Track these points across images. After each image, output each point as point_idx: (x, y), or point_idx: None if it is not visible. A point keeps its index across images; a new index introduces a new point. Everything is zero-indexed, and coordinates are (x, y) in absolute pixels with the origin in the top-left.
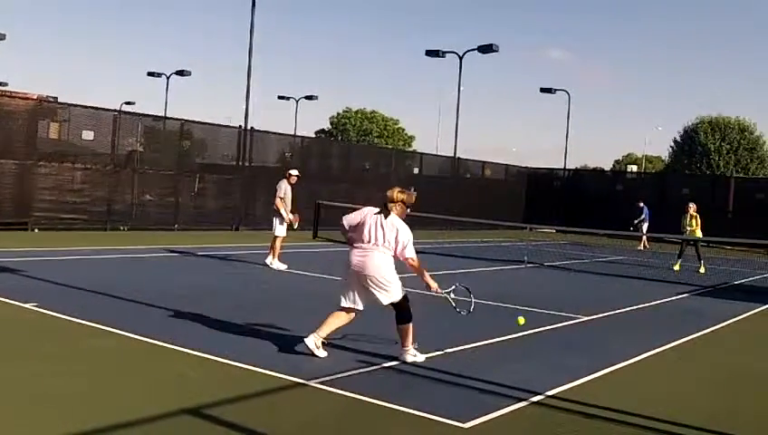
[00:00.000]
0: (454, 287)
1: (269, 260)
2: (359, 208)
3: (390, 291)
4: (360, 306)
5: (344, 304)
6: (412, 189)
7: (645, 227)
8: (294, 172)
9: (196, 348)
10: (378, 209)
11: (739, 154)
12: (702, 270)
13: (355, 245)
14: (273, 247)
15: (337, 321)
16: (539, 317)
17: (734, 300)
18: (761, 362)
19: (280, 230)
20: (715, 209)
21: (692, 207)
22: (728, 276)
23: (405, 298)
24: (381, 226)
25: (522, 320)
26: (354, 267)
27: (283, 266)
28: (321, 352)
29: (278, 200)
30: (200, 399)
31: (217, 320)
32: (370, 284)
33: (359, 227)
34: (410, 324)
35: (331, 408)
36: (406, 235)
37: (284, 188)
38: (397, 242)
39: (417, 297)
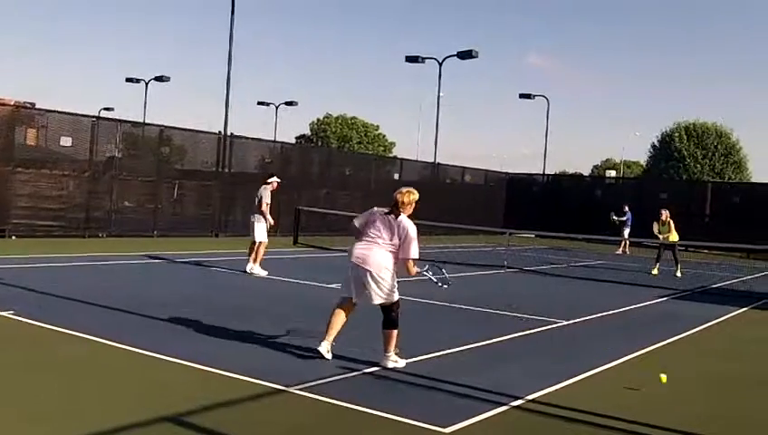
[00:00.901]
0: (427, 267)
1: (249, 267)
2: (338, 214)
3: (385, 290)
4: (358, 300)
5: (345, 293)
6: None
7: (626, 231)
8: (276, 179)
9: (175, 355)
10: (387, 209)
11: (714, 159)
12: (678, 274)
13: (360, 239)
14: (256, 253)
15: (340, 319)
16: (519, 322)
17: (711, 303)
18: (739, 364)
19: (263, 236)
20: (693, 214)
21: (664, 214)
22: (706, 280)
23: (397, 304)
24: (390, 225)
25: (664, 378)
26: (356, 260)
27: (263, 273)
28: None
29: (265, 207)
30: (180, 406)
31: (197, 327)
32: (368, 279)
33: (367, 225)
34: (395, 331)
35: (313, 414)
36: (413, 234)
37: (269, 195)
38: (403, 240)
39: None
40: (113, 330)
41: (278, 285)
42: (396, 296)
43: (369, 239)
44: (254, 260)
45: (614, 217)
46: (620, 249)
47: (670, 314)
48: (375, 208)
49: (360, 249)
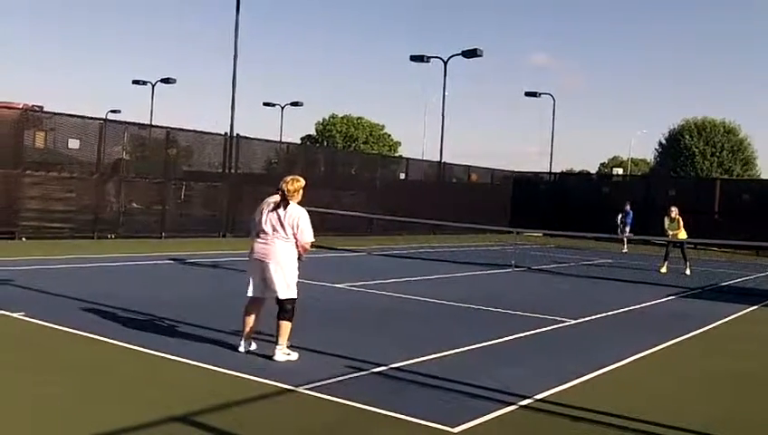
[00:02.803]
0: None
1: None
2: (344, 214)
3: (289, 284)
4: (265, 295)
5: (250, 294)
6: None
7: (628, 229)
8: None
9: (184, 355)
10: (276, 199)
11: (723, 156)
12: (688, 272)
13: (258, 235)
14: None
15: (251, 319)
16: (527, 321)
17: (721, 302)
18: (750, 363)
19: None
20: (701, 211)
21: (674, 211)
22: (715, 278)
23: (294, 299)
24: (280, 217)
25: None
26: (256, 255)
27: None
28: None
29: None
30: (189, 407)
31: (205, 327)
32: (271, 272)
33: (263, 221)
34: (290, 324)
35: (321, 414)
36: (305, 220)
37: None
38: (296, 228)
39: (411, 303)
40: (123, 331)
41: None
42: (295, 291)
43: (268, 235)
44: None
45: (619, 223)
46: (624, 247)
47: (679, 313)
48: (267, 199)
49: (260, 244)
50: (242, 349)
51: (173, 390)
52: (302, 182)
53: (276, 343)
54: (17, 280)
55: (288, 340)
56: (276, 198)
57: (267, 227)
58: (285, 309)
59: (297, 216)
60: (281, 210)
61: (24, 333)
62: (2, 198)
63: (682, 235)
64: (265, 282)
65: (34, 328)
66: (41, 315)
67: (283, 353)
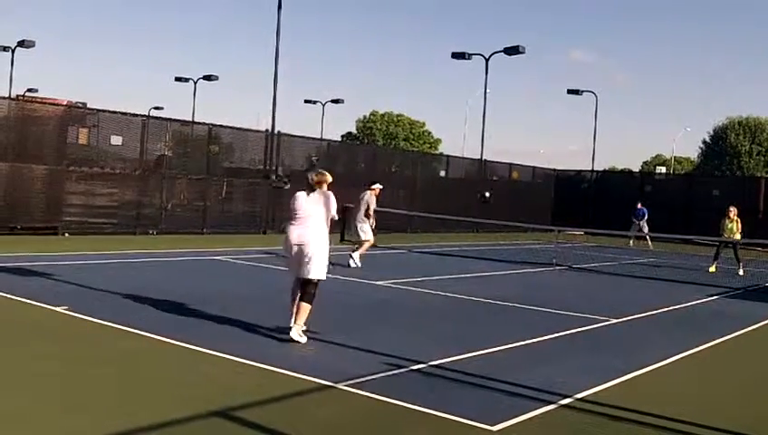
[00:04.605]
0: None
1: (352, 260)
2: (385, 212)
3: (321, 266)
4: (299, 274)
5: (294, 275)
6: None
7: (645, 227)
8: (378, 185)
9: (223, 351)
10: (306, 192)
11: None
12: (741, 272)
13: (294, 221)
14: (360, 246)
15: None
16: (568, 319)
17: (765, 302)
18: None
19: (370, 235)
20: (745, 210)
21: (733, 211)
22: (759, 278)
23: (318, 282)
24: (314, 200)
25: None
26: (294, 240)
27: (359, 263)
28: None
29: (371, 212)
30: (228, 401)
31: (245, 323)
32: (308, 254)
33: (298, 209)
34: (310, 307)
35: (358, 410)
36: (332, 197)
37: (374, 201)
38: (328, 206)
39: (451, 301)
40: (165, 326)
41: (326, 283)
42: (324, 274)
43: (304, 220)
44: (358, 251)
45: (635, 221)
46: (648, 244)
47: (722, 313)
48: (296, 193)
49: (297, 229)
50: (293, 336)
51: (212, 384)
52: (327, 176)
53: (294, 322)
54: (60, 275)
55: (305, 323)
56: (304, 192)
57: (303, 213)
58: (308, 292)
59: (328, 194)
60: (312, 195)
61: (67, 326)
62: (45, 194)
63: (737, 236)
64: (300, 263)
65: (77, 322)
66: (84, 310)
67: (297, 334)
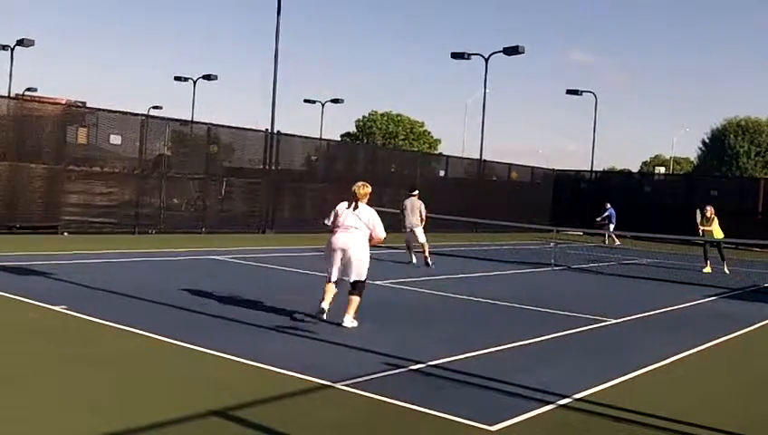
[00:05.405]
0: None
1: (415, 260)
2: (384, 211)
3: (363, 269)
4: (343, 277)
5: (334, 278)
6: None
7: (611, 226)
8: (416, 192)
9: (223, 351)
10: (347, 203)
11: (767, 156)
12: (726, 270)
13: (336, 230)
14: (424, 250)
15: (333, 287)
16: (567, 320)
17: (764, 303)
18: None
19: (424, 237)
20: (744, 211)
21: (709, 209)
22: (758, 279)
23: (365, 281)
24: (358, 216)
25: None
26: (339, 245)
27: (432, 266)
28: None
29: (424, 216)
30: (228, 401)
31: (245, 322)
32: (353, 260)
33: (340, 218)
34: (360, 299)
35: (358, 410)
36: (378, 220)
37: (422, 206)
38: (371, 224)
39: (450, 301)
40: (164, 325)
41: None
42: (366, 275)
43: (349, 228)
44: (424, 253)
45: (597, 221)
46: (616, 242)
47: (721, 314)
48: (340, 204)
49: (342, 237)
50: (324, 305)
51: (212, 384)
52: (370, 189)
53: (347, 312)
54: (59, 274)
55: (355, 312)
56: (346, 203)
57: (348, 223)
58: (358, 288)
59: (372, 216)
60: (357, 210)
61: (65, 326)
62: (44, 193)
63: (719, 234)
64: (345, 267)
65: (76, 322)
66: (83, 309)
67: (350, 321)
